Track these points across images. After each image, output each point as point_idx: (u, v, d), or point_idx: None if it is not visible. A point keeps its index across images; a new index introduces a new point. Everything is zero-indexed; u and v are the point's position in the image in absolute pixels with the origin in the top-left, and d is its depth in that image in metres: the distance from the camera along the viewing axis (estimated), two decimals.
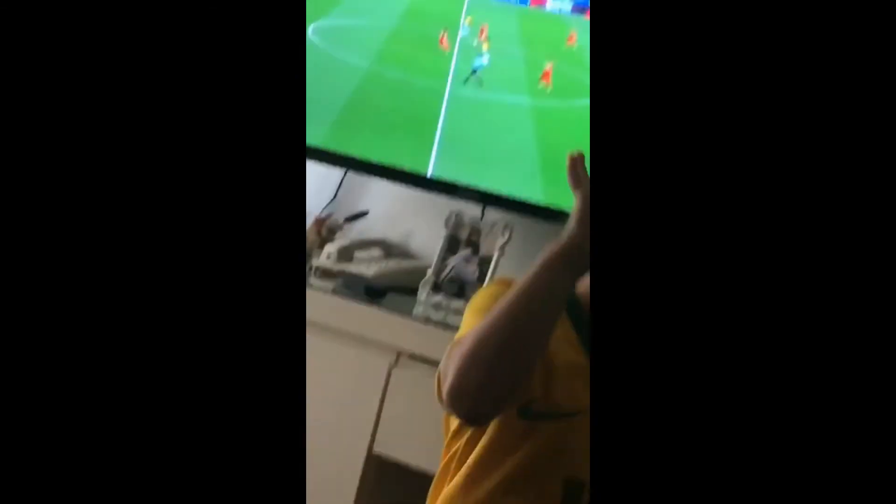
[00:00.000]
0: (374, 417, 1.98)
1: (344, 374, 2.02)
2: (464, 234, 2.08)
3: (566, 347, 1.33)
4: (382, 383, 1.99)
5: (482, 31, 2.67)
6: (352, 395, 2.01)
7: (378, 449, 1.98)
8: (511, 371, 1.17)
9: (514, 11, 2.71)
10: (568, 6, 2.68)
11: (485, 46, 2.59)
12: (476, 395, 1.17)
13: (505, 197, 2.14)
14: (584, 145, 2.46)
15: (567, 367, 1.32)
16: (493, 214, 2.14)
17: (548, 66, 2.60)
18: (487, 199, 2.14)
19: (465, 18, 2.74)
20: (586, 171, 1.23)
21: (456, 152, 2.30)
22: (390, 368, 1.98)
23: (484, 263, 2.07)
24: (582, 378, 1.19)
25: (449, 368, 1.19)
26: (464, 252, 2.07)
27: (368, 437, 1.97)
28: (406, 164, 2.21)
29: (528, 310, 1.19)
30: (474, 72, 2.52)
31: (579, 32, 2.73)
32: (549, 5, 2.70)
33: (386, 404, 1.98)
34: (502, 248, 2.06)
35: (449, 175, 2.21)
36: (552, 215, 2.09)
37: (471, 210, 2.14)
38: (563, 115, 2.69)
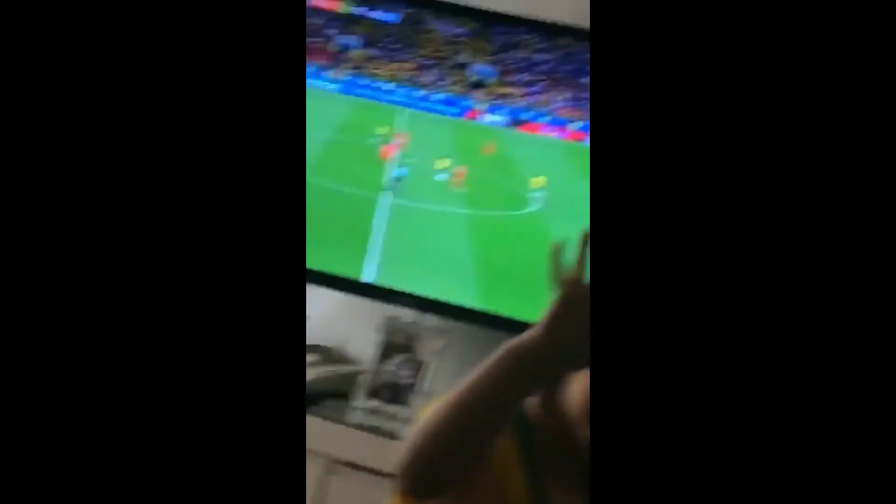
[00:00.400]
0: None
1: None
2: (400, 340, 2.12)
3: (508, 469, 1.25)
4: (314, 492, 2.01)
5: (402, 141, 2.78)
6: None
7: None
8: (453, 455, 1.17)
9: (449, 124, 2.81)
10: (502, 120, 2.79)
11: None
12: (420, 470, 1.17)
13: (441, 302, 2.18)
14: (519, 252, 2.56)
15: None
16: (430, 320, 2.18)
17: (460, 169, 2.75)
18: (424, 304, 2.19)
19: (399, 133, 2.84)
20: (563, 267, 1.16)
21: (393, 260, 2.36)
22: (323, 476, 2.00)
23: (420, 369, 2.10)
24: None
25: (402, 447, 1.20)
26: (400, 357, 2.11)
27: None
28: (342, 270, 2.26)
29: (471, 403, 1.15)
30: (398, 180, 2.64)
31: (498, 143, 2.91)
32: (485, 119, 2.80)
33: None
34: (439, 353, 2.10)
35: (386, 282, 2.27)
36: (489, 321, 2.14)
37: (407, 316, 2.19)
38: (498, 223, 2.78)
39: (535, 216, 2.78)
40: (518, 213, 2.85)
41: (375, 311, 2.20)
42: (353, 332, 2.34)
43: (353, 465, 2.00)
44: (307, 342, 2.27)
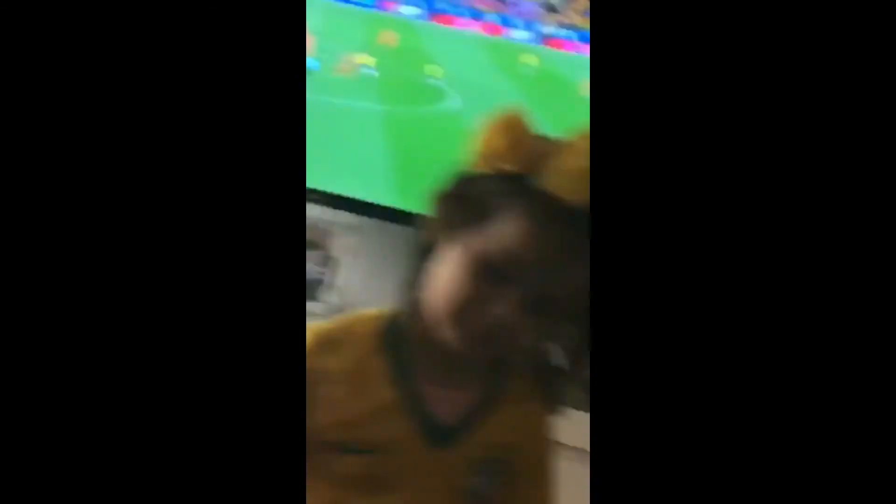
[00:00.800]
0: None
1: None
2: (313, 236, 2.23)
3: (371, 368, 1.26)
4: None
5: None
6: None
7: None
8: None
9: (363, 16, 2.87)
10: (418, 12, 2.85)
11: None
12: None
13: (354, 199, 2.29)
14: (434, 150, 2.62)
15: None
16: (343, 217, 2.29)
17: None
18: (336, 201, 2.29)
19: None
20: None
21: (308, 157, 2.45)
22: None
23: (333, 264, 2.22)
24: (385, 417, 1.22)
25: None
26: (313, 255, 2.23)
27: None
28: None
29: None
30: (309, 73, 2.68)
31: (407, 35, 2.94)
32: (401, 9, 2.86)
33: None
34: (352, 250, 2.22)
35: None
36: (402, 218, 2.25)
37: (321, 213, 2.30)
38: (414, 122, 2.85)
39: (450, 111, 2.83)
40: (432, 108, 2.90)
41: None
42: None
43: None
44: None
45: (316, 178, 2.34)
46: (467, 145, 1.27)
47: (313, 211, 2.28)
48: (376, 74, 2.82)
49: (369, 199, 2.30)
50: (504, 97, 2.84)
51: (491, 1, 2.86)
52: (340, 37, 2.86)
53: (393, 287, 2.35)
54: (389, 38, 2.92)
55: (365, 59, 2.83)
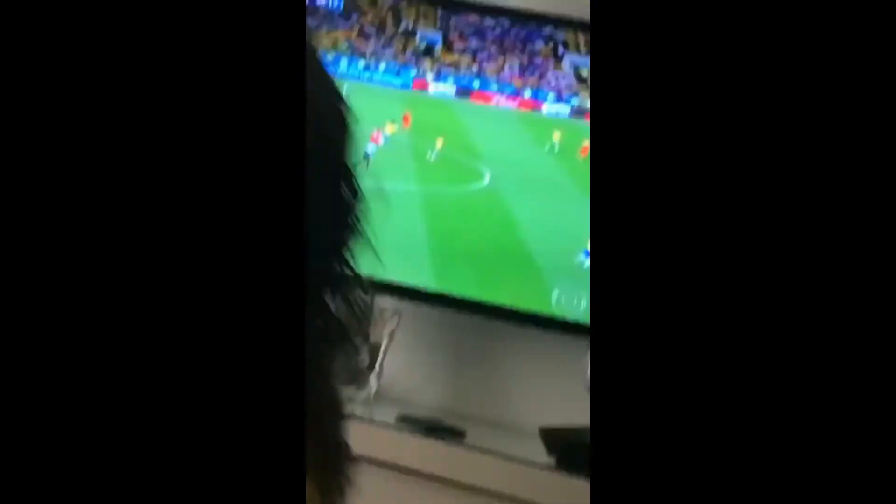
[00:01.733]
0: None
1: None
2: (356, 323, 2.37)
3: None
4: None
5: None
6: None
7: None
8: None
9: (398, 96, 2.96)
10: (452, 90, 2.97)
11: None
12: None
13: (394, 284, 2.42)
14: (473, 230, 2.73)
15: None
16: (383, 301, 2.42)
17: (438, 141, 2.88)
18: (376, 286, 2.42)
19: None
20: None
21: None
22: None
23: (374, 350, 2.35)
24: None
25: None
26: (355, 339, 2.35)
27: None
28: None
29: None
30: (366, 156, 2.80)
31: (462, 114, 3.03)
32: (431, 90, 2.97)
33: None
34: (391, 335, 2.35)
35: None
36: (442, 301, 2.39)
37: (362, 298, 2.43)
38: (453, 202, 2.97)
39: (488, 190, 2.91)
40: (471, 188, 2.98)
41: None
42: None
43: None
44: None
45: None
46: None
47: (354, 295, 2.42)
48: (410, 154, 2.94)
49: (409, 282, 2.43)
50: (540, 173, 2.95)
51: (526, 76, 2.97)
52: (374, 117, 2.97)
53: (435, 373, 2.50)
54: (422, 116, 3.02)
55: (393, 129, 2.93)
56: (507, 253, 2.63)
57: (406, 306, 2.42)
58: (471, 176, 2.97)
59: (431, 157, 2.84)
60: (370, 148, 2.77)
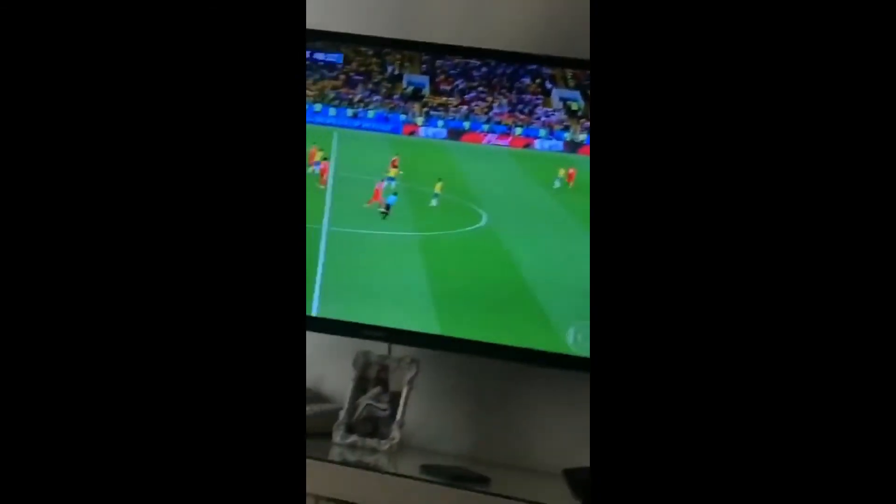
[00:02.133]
0: None
1: None
2: (372, 373, 2.42)
3: None
4: None
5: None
6: None
7: None
8: None
9: (388, 141, 2.98)
10: (443, 133, 2.98)
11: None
12: None
13: (409, 332, 2.47)
14: (472, 271, 2.75)
15: None
16: (399, 350, 2.47)
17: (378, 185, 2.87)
18: (392, 336, 2.47)
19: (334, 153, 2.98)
20: None
21: (340, 290, 2.62)
22: None
23: (394, 399, 2.40)
24: None
25: None
26: (374, 390, 2.41)
27: None
28: None
29: None
30: (388, 207, 2.81)
31: (455, 156, 3.04)
32: (422, 132, 2.98)
33: None
34: (411, 382, 2.40)
35: (332, 314, 2.54)
36: (456, 346, 2.43)
37: (378, 348, 2.48)
38: (450, 244, 2.97)
39: (485, 230, 2.93)
40: (468, 229, 2.97)
41: (344, 347, 2.50)
42: (327, 369, 2.62)
43: (339, 501, 2.25)
44: None
45: (370, 313, 2.52)
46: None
47: (372, 346, 2.47)
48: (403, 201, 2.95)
49: (423, 329, 2.47)
50: (538, 210, 2.97)
51: (516, 114, 2.99)
52: (364, 164, 3.00)
53: (456, 420, 2.53)
54: (414, 161, 3.02)
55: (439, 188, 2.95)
56: (509, 293, 2.64)
57: (424, 354, 2.45)
58: (468, 218, 2.98)
59: (434, 203, 2.84)
60: (391, 199, 2.81)
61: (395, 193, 2.85)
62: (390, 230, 2.87)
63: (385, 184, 2.86)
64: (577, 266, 2.58)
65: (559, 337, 2.51)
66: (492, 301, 2.62)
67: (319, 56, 2.82)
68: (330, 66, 2.85)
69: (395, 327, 2.48)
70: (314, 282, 2.62)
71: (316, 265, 2.64)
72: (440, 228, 2.96)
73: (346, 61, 2.85)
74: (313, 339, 2.56)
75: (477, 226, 2.93)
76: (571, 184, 2.81)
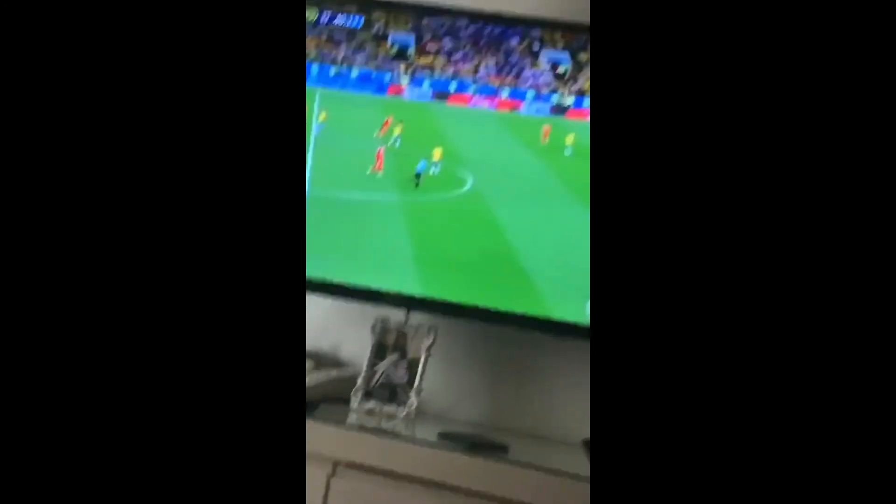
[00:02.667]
0: None
1: None
2: (390, 340, 2.49)
3: None
4: (321, 495, 2.33)
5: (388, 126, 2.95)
6: None
7: None
8: None
9: (374, 102, 3.01)
10: (429, 94, 3.01)
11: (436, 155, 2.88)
12: None
13: (428, 299, 2.54)
14: (455, 235, 2.79)
15: None
16: (417, 317, 2.54)
17: (379, 150, 2.92)
18: (411, 303, 2.55)
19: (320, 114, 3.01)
20: None
21: (331, 253, 2.67)
22: (328, 479, 2.33)
23: (412, 366, 2.48)
24: None
25: None
26: (392, 357, 2.48)
27: None
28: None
29: None
30: (417, 175, 2.85)
31: (441, 118, 3.07)
32: (407, 94, 3.01)
33: None
34: (429, 350, 2.47)
35: (349, 280, 2.60)
36: (475, 315, 2.51)
37: (396, 315, 2.55)
38: (432, 208, 2.99)
39: (470, 195, 2.95)
40: (453, 194, 2.99)
41: (364, 313, 2.57)
42: (345, 336, 2.69)
43: (357, 466, 2.31)
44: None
45: (387, 279, 2.58)
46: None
47: (388, 313, 2.54)
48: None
49: (442, 297, 2.54)
50: (525, 173, 3.04)
51: (503, 75, 3.04)
52: (355, 125, 3.05)
53: (474, 387, 2.60)
54: (404, 123, 3.06)
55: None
56: (495, 258, 2.69)
57: (441, 322, 2.53)
58: (454, 182, 3.01)
59: (434, 171, 2.88)
60: (420, 166, 2.85)
61: (425, 159, 2.89)
62: (374, 193, 2.91)
63: (385, 148, 2.89)
64: (566, 233, 2.66)
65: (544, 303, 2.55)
66: (475, 266, 2.66)
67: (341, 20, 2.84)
68: (312, 24, 2.86)
69: (412, 294, 2.54)
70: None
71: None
72: (425, 193, 2.98)
73: (331, 19, 2.87)
74: (331, 305, 2.65)
75: (462, 190, 2.96)
76: (545, 141, 2.86)
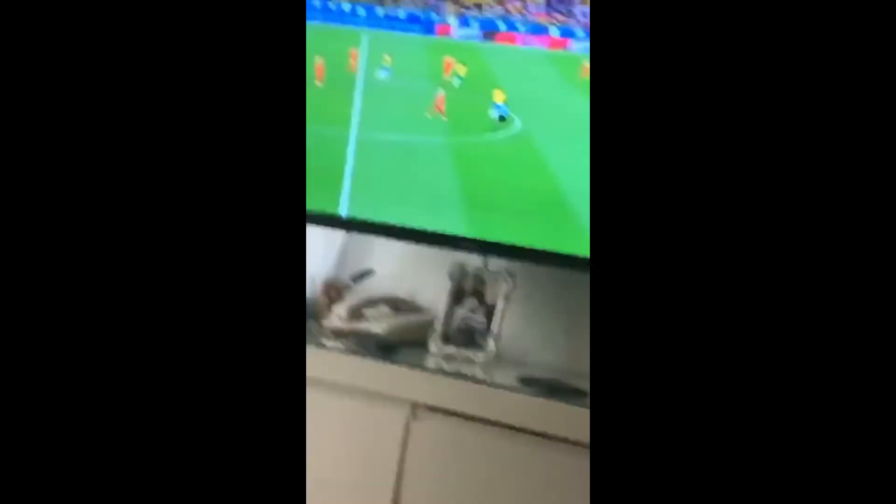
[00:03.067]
0: (395, 472, 2.38)
1: (363, 431, 2.42)
2: (468, 285, 2.55)
3: None
4: (401, 437, 2.39)
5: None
6: (372, 451, 2.40)
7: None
8: None
9: (420, 42, 3.04)
10: (477, 32, 3.03)
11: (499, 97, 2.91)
12: None
13: (506, 245, 2.58)
14: (504, 177, 2.82)
15: None
16: (496, 263, 2.60)
17: (439, 94, 2.94)
18: (489, 248, 2.60)
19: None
20: None
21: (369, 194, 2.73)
22: (408, 422, 2.39)
23: (490, 311, 2.54)
24: None
25: None
26: (470, 302, 2.55)
27: (391, 492, 2.38)
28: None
29: None
30: (502, 118, 2.88)
31: (489, 57, 3.08)
32: (455, 34, 3.05)
33: (407, 458, 2.38)
34: (507, 296, 2.54)
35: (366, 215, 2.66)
36: (553, 260, 2.57)
37: (474, 260, 2.61)
38: (480, 151, 3.02)
39: (519, 136, 2.98)
40: (501, 135, 3.00)
41: (440, 259, 2.63)
42: (423, 281, 2.74)
43: (436, 409, 2.37)
44: (380, 295, 2.67)
45: (467, 225, 2.63)
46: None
47: (466, 258, 2.60)
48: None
49: (522, 242, 2.59)
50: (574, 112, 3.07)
51: (552, 13, 3.07)
52: (411, 68, 3.09)
53: (553, 333, 2.66)
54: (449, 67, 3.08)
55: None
56: (543, 199, 2.71)
57: (520, 268, 2.58)
58: (501, 122, 3.01)
59: (493, 114, 2.89)
60: (505, 112, 2.86)
61: (505, 103, 2.89)
62: (422, 136, 2.95)
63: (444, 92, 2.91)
64: None
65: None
66: (523, 207, 2.70)
67: None
68: None
69: (492, 240, 2.59)
70: (341, 186, 2.72)
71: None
72: (471, 134, 3.00)
73: None
74: (409, 250, 2.70)
75: (510, 131, 2.96)
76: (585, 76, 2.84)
